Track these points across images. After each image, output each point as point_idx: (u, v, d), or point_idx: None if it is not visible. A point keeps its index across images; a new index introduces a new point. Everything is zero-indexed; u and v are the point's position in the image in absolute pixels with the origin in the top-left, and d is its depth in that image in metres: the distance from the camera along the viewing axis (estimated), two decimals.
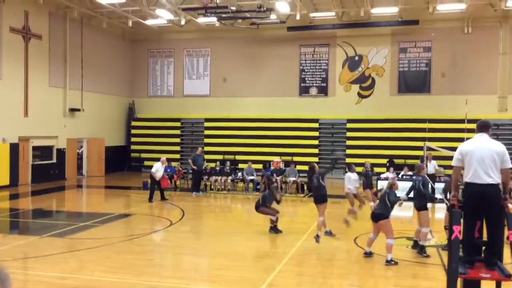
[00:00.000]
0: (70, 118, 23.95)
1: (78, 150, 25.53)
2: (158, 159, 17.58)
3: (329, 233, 11.38)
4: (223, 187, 20.01)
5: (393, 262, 9.24)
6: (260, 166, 21.87)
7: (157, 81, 28.53)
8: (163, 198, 17.21)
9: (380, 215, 9.47)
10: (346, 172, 14.41)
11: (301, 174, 20.85)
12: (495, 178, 5.56)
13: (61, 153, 23.43)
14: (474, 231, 5.73)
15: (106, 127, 26.54)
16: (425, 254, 9.91)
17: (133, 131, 28.08)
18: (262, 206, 11.98)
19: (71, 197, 19.85)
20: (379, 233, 9.61)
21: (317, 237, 10.70)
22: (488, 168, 5.55)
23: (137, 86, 28.68)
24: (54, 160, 23.15)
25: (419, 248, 10.08)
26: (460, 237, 5.55)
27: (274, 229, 11.88)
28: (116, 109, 27.69)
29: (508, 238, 5.57)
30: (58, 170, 23.17)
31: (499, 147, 5.71)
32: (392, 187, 9.74)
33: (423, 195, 10.02)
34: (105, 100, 26.43)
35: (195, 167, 18.66)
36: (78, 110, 24.16)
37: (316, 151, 25.19)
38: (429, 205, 10.54)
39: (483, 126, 5.92)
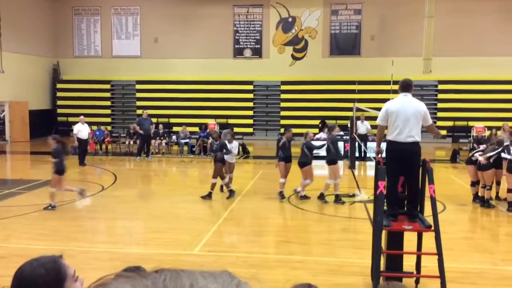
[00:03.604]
0: None
1: (0, 115, 24.02)
2: (88, 124, 16.91)
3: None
4: (157, 150, 19.70)
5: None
6: (195, 129, 21.67)
7: (83, 41, 27.05)
8: (82, 163, 16.32)
9: (304, 163, 10.95)
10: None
11: (236, 137, 20.90)
12: (416, 136, 5.90)
13: None
14: (397, 186, 6.07)
15: (29, 90, 25.00)
16: (323, 200, 11.09)
17: (59, 94, 26.69)
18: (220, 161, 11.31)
19: None
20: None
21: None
22: (412, 127, 5.86)
23: (62, 46, 27.06)
24: None
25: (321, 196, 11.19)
26: (385, 192, 5.85)
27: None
28: (39, 71, 26.09)
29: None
30: None
31: (422, 106, 6.04)
32: (306, 136, 11.12)
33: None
34: (27, 61, 24.79)
35: (141, 132, 18.15)
36: None
37: (251, 113, 25.28)
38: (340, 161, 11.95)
39: (407, 86, 6.20)
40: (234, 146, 12.13)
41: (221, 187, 11.96)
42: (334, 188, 11.12)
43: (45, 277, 1.72)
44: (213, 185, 11.32)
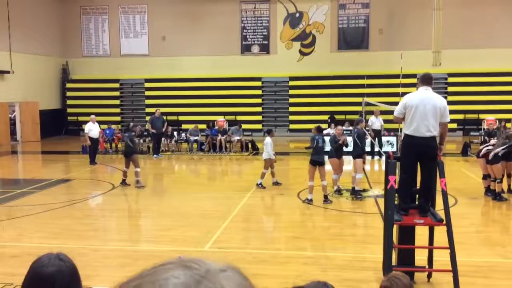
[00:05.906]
0: None
1: (10, 115, 24.19)
2: (98, 123, 16.99)
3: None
4: (166, 148, 19.76)
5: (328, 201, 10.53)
6: (204, 126, 21.68)
7: (91, 40, 27.18)
8: (92, 161, 16.46)
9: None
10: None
11: (245, 133, 20.92)
12: (433, 131, 5.81)
13: None
14: (411, 181, 6.02)
15: (39, 90, 25.19)
16: (359, 196, 10.91)
17: (68, 94, 26.86)
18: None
19: (6, 163, 18.89)
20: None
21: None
22: (430, 122, 5.78)
23: (70, 46, 27.22)
24: None
25: (353, 192, 11.10)
26: (396, 186, 5.81)
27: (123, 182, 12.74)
28: (49, 71, 26.25)
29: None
30: None
31: (442, 102, 5.92)
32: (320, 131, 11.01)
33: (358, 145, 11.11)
34: (36, 61, 24.96)
35: (153, 130, 18.22)
36: (8, 72, 22.72)
37: (259, 109, 25.25)
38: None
39: (428, 80, 6.05)
40: (269, 142, 12.25)
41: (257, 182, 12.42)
42: (353, 181, 11.19)
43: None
44: (124, 173, 12.68)
